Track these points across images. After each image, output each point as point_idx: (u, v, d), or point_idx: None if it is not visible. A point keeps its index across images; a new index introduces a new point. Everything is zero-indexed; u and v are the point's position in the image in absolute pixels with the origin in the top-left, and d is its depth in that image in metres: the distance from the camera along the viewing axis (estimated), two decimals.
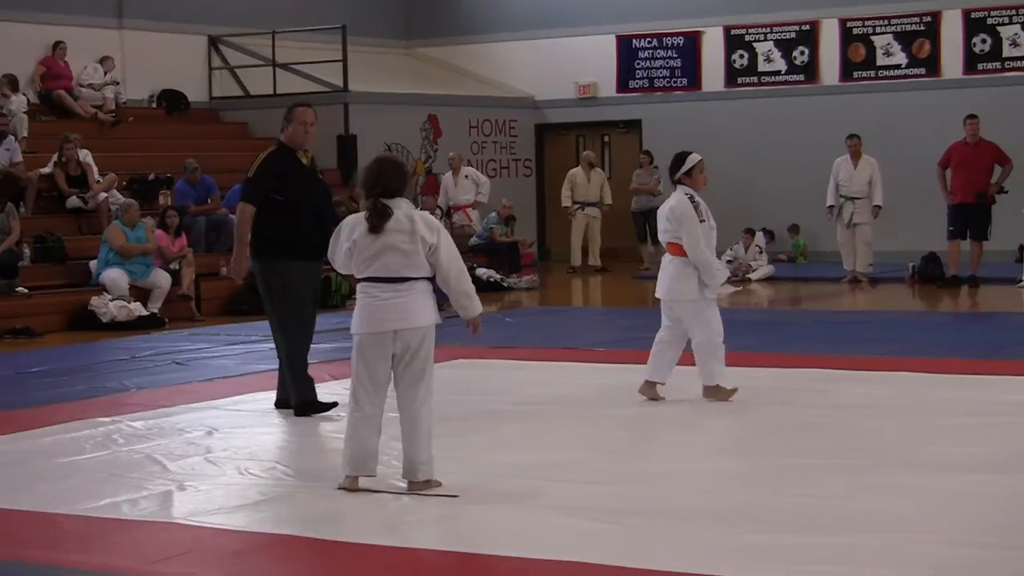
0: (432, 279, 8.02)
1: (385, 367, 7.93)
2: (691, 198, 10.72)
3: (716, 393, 10.60)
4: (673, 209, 10.72)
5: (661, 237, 10.92)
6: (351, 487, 7.94)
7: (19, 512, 7.86)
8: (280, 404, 10.94)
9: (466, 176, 24.59)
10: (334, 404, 10.58)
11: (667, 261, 10.81)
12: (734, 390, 10.64)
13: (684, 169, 10.87)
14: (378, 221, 7.87)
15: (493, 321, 17.48)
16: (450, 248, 8.02)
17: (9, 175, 19.37)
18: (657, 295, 10.85)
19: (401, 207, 7.95)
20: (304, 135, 10.85)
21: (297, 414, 10.63)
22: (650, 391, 10.75)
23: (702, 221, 10.70)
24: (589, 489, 8.02)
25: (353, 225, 8.04)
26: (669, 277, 10.72)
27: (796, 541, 6.74)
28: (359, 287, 8.05)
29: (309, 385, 10.76)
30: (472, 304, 8.07)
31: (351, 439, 7.98)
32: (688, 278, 10.59)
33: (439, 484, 7.93)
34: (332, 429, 9.92)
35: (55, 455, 9.40)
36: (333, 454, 9.08)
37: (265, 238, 10.65)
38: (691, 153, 10.96)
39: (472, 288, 8.14)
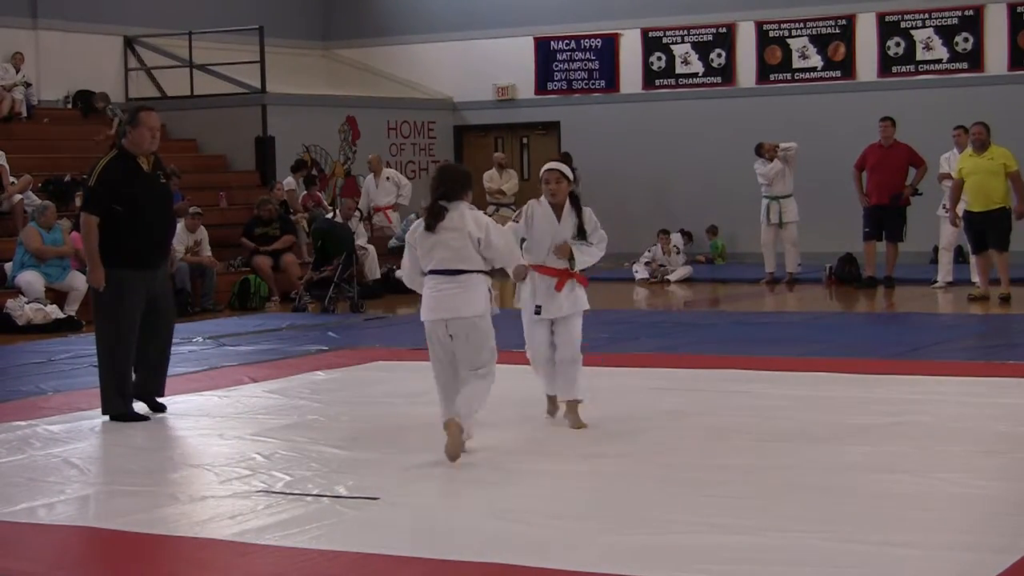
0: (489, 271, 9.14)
1: (446, 347, 9.13)
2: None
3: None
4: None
5: None
6: (449, 426, 8.88)
7: None
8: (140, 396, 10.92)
9: (387, 178, 24.55)
10: (147, 418, 10.63)
11: None
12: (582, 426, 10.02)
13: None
14: (432, 220, 9.03)
15: (416, 324, 17.49)
16: (500, 233, 9.20)
17: None
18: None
19: (458, 208, 9.05)
20: (150, 140, 10.69)
21: (113, 419, 10.62)
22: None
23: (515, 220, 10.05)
24: (508, 490, 8.03)
25: (414, 229, 9.21)
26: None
27: (715, 541, 6.78)
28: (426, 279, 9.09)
29: (123, 394, 10.70)
30: (513, 260, 9.33)
31: (441, 397, 9.20)
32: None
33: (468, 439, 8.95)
34: (252, 432, 9.86)
35: None
36: (247, 458, 9.06)
37: (103, 247, 10.58)
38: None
39: (518, 251, 9.49)
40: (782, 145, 21.63)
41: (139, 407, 10.82)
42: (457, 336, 9.10)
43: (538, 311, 10.00)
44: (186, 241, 19.90)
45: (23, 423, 10.55)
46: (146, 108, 10.94)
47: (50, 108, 24.31)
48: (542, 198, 9.98)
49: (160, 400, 11.03)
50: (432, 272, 9.13)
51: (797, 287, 21.52)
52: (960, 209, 18.52)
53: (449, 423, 8.87)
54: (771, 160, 21.64)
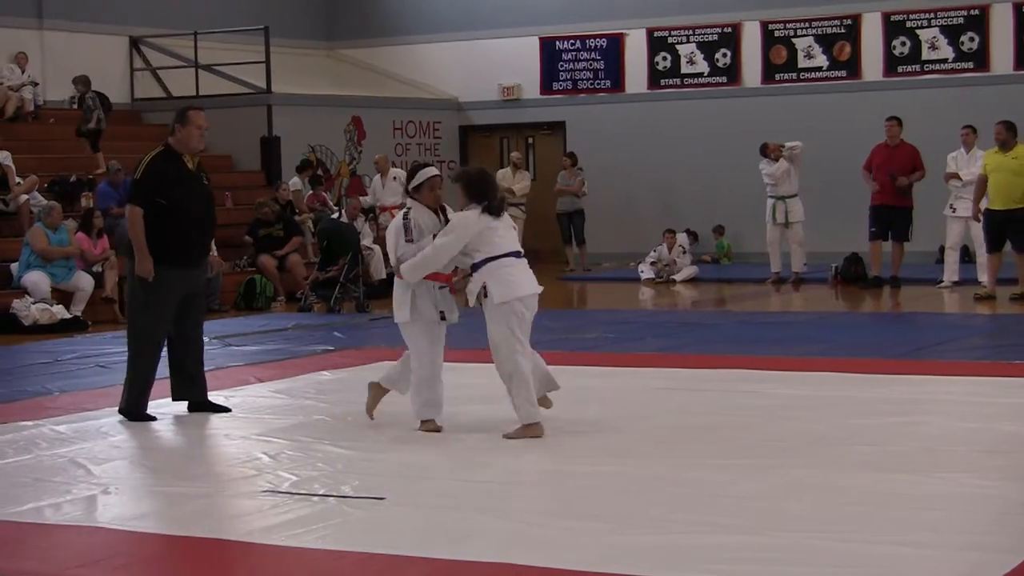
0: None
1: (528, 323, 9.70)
2: (405, 216, 9.88)
3: (424, 427, 9.89)
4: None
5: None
6: (543, 404, 9.74)
7: None
8: (191, 407, 10.96)
9: (394, 178, 24.51)
10: (154, 418, 10.66)
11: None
12: (437, 429, 9.85)
13: (414, 183, 9.90)
14: (502, 208, 9.73)
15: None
16: None
17: None
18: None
19: None
20: (199, 138, 10.77)
21: (122, 413, 10.70)
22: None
23: (409, 240, 9.82)
24: (513, 490, 8.04)
25: (466, 224, 9.53)
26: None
27: (717, 541, 6.78)
28: (491, 265, 9.51)
29: (143, 392, 10.75)
30: None
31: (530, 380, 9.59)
32: (400, 301, 9.93)
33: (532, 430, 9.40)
34: (258, 432, 9.88)
35: None
36: (253, 458, 9.09)
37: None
38: (426, 166, 10.08)
39: None
40: (787, 144, 21.63)
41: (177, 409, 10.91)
42: (532, 312, 9.73)
43: (443, 317, 9.91)
44: None
45: (29, 423, 10.56)
46: (195, 107, 10.94)
47: (56, 108, 24.33)
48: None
49: (213, 400, 11.04)
50: (509, 255, 9.63)
51: (803, 287, 21.51)
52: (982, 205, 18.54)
53: (545, 399, 9.79)
54: (776, 160, 21.64)
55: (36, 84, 23.63)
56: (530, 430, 9.47)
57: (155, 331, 10.76)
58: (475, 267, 9.63)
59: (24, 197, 19.94)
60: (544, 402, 9.92)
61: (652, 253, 23.41)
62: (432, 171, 9.93)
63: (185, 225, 10.64)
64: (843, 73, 25.49)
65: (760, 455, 8.82)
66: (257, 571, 6.71)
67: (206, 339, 15.31)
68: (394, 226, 9.93)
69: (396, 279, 9.94)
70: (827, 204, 23.68)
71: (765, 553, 6.57)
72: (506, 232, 9.71)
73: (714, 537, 6.86)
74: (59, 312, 17.58)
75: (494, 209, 9.61)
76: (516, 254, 9.72)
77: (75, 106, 24.58)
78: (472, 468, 8.66)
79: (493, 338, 9.58)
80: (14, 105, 23.00)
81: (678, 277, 22.87)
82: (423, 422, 9.86)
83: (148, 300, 10.66)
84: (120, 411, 10.76)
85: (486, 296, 9.56)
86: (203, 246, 11.07)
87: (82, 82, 22.92)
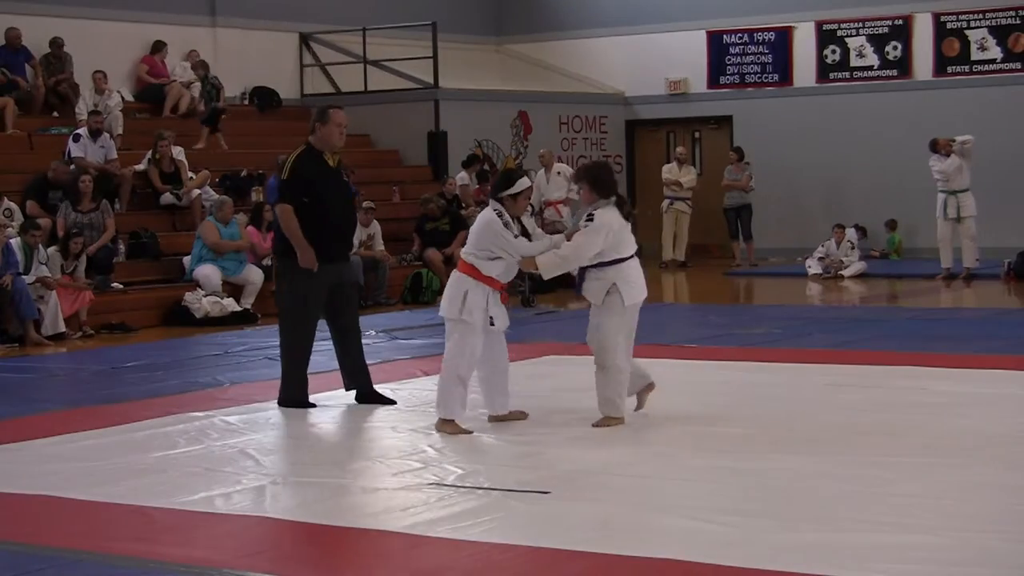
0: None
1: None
2: (500, 214, 9.81)
3: (446, 427, 9.76)
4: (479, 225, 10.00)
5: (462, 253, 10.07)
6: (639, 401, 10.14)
7: (113, 505, 7.94)
8: (359, 398, 11.17)
9: (558, 172, 24.53)
10: (313, 405, 10.92)
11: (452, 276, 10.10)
12: (468, 431, 9.73)
13: (511, 191, 9.86)
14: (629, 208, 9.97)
15: (584, 318, 17.48)
16: None
17: (104, 172, 19.56)
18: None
19: None
20: (339, 136, 11.01)
21: (281, 405, 10.97)
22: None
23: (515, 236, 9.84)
24: (678, 487, 8.00)
25: (611, 224, 9.67)
26: (444, 293, 10.03)
27: (885, 540, 6.69)
28: (620, 267, 9.70)
29: (302, 385, 11.03)
30: None
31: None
32: (452, 297, 9.78)
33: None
34: (424, 425, 9.94)
35: (149, 449, 9.49)
36: (423, 450, 9.14)
37: (285, 238, 10.90)
38: (523, 175, 10.10)
39: None
40: (958, 139, 21.26)
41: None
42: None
43: (492, 322, 9.85)
44: (359, 235, 20.09)
45: (200, 414, 10.74)
46: (335, 106, 11.20)
47: (228, 104, 24.68)
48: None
49: (379, 391, 11.21)
50: (634, 256, 9.87)
51: (974, 283, 21.15)
52: None
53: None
54: (947, 156, 21.28)
55: (219, 88, 23.93)
56: (614, 420, 9.75)
57: (305, 324, 11.04)
58: (601, 265, 9.74)
59: (196, 192, 20.28)
60: (640, 398, 10.22)
61: (820, 248, 23.16)
62: (528, 182, 10.05)
63: (328, 221, 10.90)
64: (1018, 65, 24.96)
65: (929, 453, 8.69)
66: (422, 563, 6.74)
67: (373, 332, 15.59)
68: (495, 222, 9.75)
69: (454, 274, 9.92)
70: (1000, 199, 23.25)
71: (935, 553, 6.47)
72: (631, 233, 9.96)
73: (882, 536, 6.77)
74: (230, 305, 17.84)
75: (625, 205, 9.87)
76: (636, 255, 9.99)
77: (247, 102, 24.98)
78: (636, 464, 8.63)
79: (607, 333, 9.74)
80: (187, 102, 23.37)
81: (846, 273, 22.61)
82: (446, 421, 9.74)
83: (297, 294, 10.95)
84: (279, 403, 11.00)
85: (608, 294, 9.77)
86: (346, 241, 11.35)
87: (201, 67, 23.23)
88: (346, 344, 11.18)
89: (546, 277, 10.00)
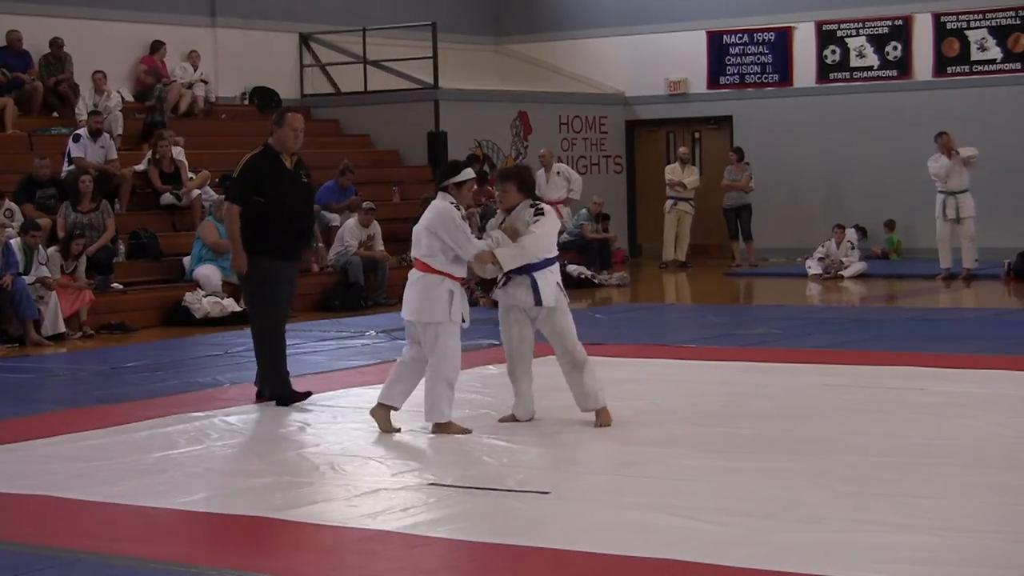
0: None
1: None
2: (456, 206, 9.77)
3: (444, 429, 9.68)
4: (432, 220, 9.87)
5: (412, 252, 10.01)
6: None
7: (113, 505, 7.94)
8: (260, 397, 11.38)
9: (558, 173, 24.56)
10: (308, 393, 11.23)
11: (415, 278, 9.92)
12: (467, 431, 9.69)
13: (456, 179, 9.84)
14: None
15: (584, 318, 17.49)
16: None
17: (104, 172, 19.56)
18: (404, 316, 10.03)
19: None
20: (294, 139, 11.33)
21: (278, 404, 11.12)
22: (383, 415, 9.96)
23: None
24: (677, 486, 8.01)
25: (554, 217, 9.83)
26: (416, 296, 9.86)
27: (884, 540, 6.69)
28: (556, 266, 9.78)
29: (285, 380, 11.27)
30: None
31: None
32: (434, 299, 9.72)
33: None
34: (424, 425, 9.95)
35: (149, 449, 9.50)
36: (422, 450, 9.15)
37: (246, 237, 11.14)
38: (467, 165, 10.13)
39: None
40: (963, 153, 21.19)
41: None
42: None
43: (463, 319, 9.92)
44: (359, 236, 20.11)
45: (200, 414, 10.76)
46: (292, 110, 11.68)
47: (228, 104, 24.72)
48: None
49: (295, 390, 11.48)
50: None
51: (974, 283, 21.15)
52: None
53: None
54: (948, 156, 21.25)
55: (207, 82, 23.96)
56: (606, 415, 9.75)
57: (274, 319, 11.35)
58: (541, 265, 9.72)
59: (196, 192, 20.28)
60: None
61: (820, 248, 23.16)
62: (473, 173, 10.05)
63: (284, 219, 11.16)
64: (1018, 65, 24.96)
65: (928, 453, 8.70)
66: (421, 563, 6.75)
67: (373, 332, 15.58)
68: (453, 212, 9.69)
69: (426, 276, 9.76)
70: (1000, 199, 23.27)
71: (935, 553, 6.47)
72: None
73: (882, 536, 6.77)
74: (230, 305, 17.83)
75: (542, 209, 9.85)
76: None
77: (246, 103, 24.99)
78: (637, 464, 8.64)
79: (569, 330, 9.82)
80: (187, 101, 23.38)
81: (846, 273, 22.61)
82: (442, 425, 9.66)
83: (263, 292, 11.24)
84: (277, 400, 11.15)
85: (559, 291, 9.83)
86: (303, 239, 11.70)
87: (153, 75, 23.09)
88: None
89: (506, 269, 9.72)
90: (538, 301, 9.70)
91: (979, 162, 21.40)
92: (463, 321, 9.80)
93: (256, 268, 11.16)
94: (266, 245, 11.12)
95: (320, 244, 11.70)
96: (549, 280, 9.74)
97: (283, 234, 11.17)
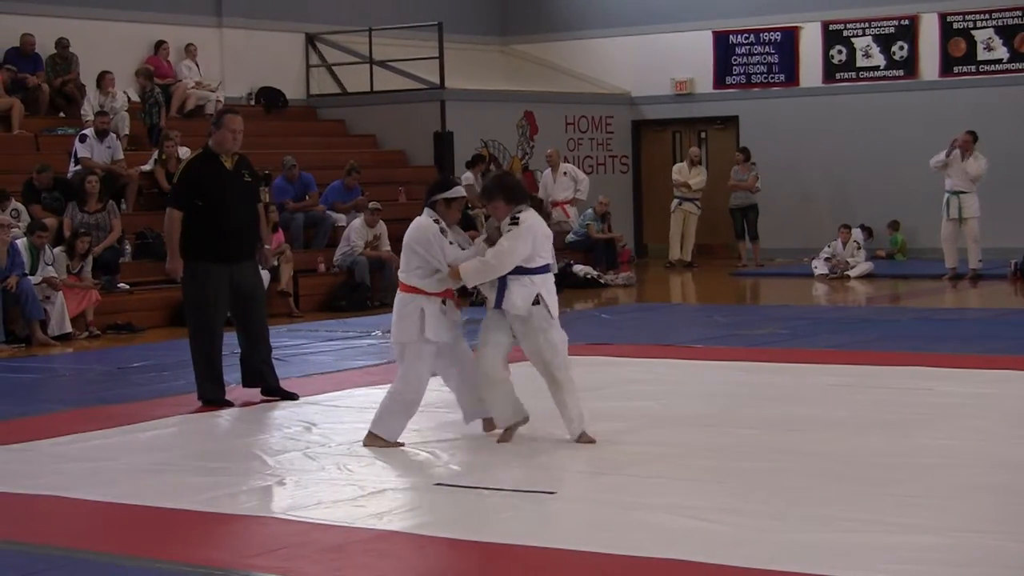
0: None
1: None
2: (436, 221, 9.42)
3: (375, 441, 9.42)
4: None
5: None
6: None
7: (119, 505, 7.95)
8: (265, 391, 11.53)
9: (564, 173, 24.57)
10: (230, 404, 11.20)
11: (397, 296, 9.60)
12: (399, 444, 9.41)
13: (446, 195, 9.50)
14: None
15: (590, 318, 17.51)
16: None
17: (111, 173, 19.57)
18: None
19: None
20: (232, 141, 11.29)
21: (201, 401, 11.27)
22: (506, 437, 9.50)
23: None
24: (683, 486, 8.01)
25: (535, 228, 9.22)
26: (393, 315, 9.55)
27: (888, 540, 6.69)
28: (546, 276, 9.27)
29: (216, 382, 11.32)
30: None
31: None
32: (405, 317, 9.39)
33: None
34: (427, 426, 9.95)
35: (155, 449, 9.51)
36: (428, 450, 9.15)
37: (184, 241, 11.19)
38: (456, 184, 9.76)
39: None
40: (971, 171, 21.15)
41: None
42: None
43: None
44: (365, 236, 20.12)
45: (206, 414, 10.83)
46: (231, 111, 11.62)
47: (234, 104, 24.70)
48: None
49: (286, 389, 11.56)
50: (548, 266, 9.41)
51: (981, 283, 21.14)
52: None
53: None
54: (963, 153, 21.19)
55: (214, 90, 23.89)
56: (586, 439, 9.22)
57: (209, 323, 11.33)
58: (527, 272, 9.21)
59: None
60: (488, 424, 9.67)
61: (826, 249, 23.14)
62: (463, 191, 9.68)
63: (223, 222, 11.15)
64: None
65: (932, 454, 8.69)
66: (428, 563, 6.75)
67: (378, 332, 15.59)
68: (430, 227, 9.36)
69: (400, 294, 9.45)
70: (1007, 199, 23.24)
71: (935, 553, 6.47)
72: (551, 243, 9.43)
73: (882, 536, 6.77)
74: None
75: (542, 207, 9.54)
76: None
77: (253, 103, 24.99)
78: (642, 464, 8.63)
79: (556, 345, 9.28)
80: (193, 102, 23.39)
81: (852, 273, 22.59)
82: (375, 436, 9.40)
83: (199, 295, 11.27)
84: (201, 400, 11.29)
85: (536, 304, 9.22)
86: (245, 241, 11.51)
87: (144, 75, 22.92)
88: (253, 349, 11.52)
89: (469, 285, 9.46)
90: (497, 303, 9.28)
91: (984, 177, 21.36)
92: (440, 339, 9.36)
93: (191, 271, 11.22)
94: (202, 248, 11.14)
95: (267, 246, 11.54)
96: (524, 289, 9.20)
97: (221, 237, 11.15)
